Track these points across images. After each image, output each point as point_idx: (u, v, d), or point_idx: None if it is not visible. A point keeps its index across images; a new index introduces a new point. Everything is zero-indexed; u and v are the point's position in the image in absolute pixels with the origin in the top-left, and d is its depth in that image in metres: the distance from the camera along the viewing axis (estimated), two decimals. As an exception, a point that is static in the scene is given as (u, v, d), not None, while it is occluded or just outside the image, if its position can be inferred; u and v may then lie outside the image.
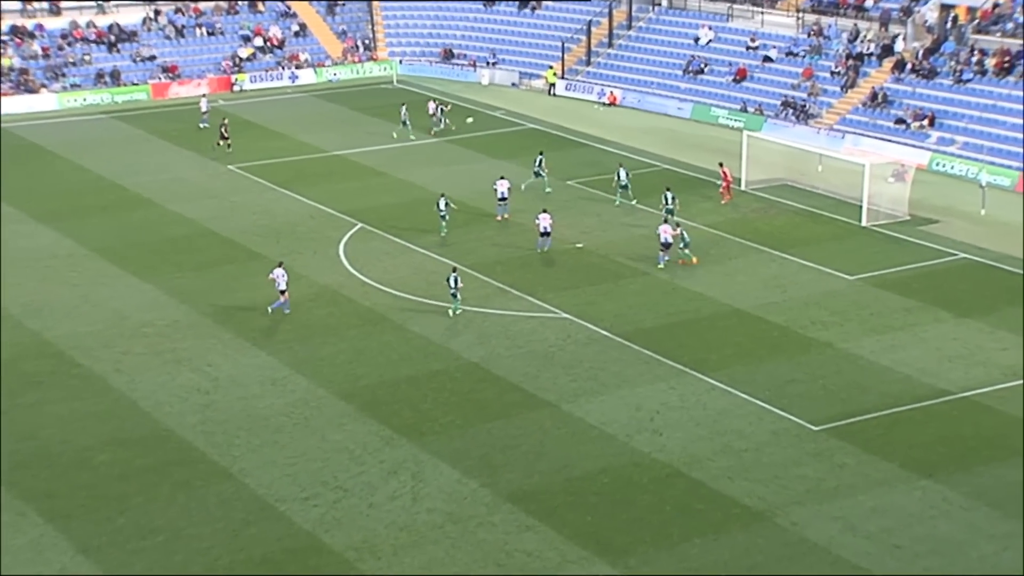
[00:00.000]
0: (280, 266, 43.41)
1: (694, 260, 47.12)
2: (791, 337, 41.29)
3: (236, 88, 78.33)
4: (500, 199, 52.33)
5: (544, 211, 48.89)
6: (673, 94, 73.06)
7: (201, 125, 67.52)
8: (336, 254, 48.47)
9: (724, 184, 54.70)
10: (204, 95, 71.85)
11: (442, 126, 66.29)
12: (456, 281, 42.46)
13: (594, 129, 68.28)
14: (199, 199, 56.47)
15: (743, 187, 56.82)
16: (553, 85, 77.25)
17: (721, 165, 55.36)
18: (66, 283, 46.33)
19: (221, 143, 63.07)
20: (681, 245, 46.91)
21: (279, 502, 31.58)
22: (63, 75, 76.40)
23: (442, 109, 67.03)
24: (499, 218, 52.39)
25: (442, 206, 50.29)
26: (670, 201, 50.70)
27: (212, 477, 32.77)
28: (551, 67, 78.45)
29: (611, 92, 74.72)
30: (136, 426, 35.57)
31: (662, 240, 46.77)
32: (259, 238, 51.12)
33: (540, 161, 56.10)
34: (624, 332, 41.63)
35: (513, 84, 79.67)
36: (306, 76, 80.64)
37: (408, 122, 65.36)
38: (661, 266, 46.74)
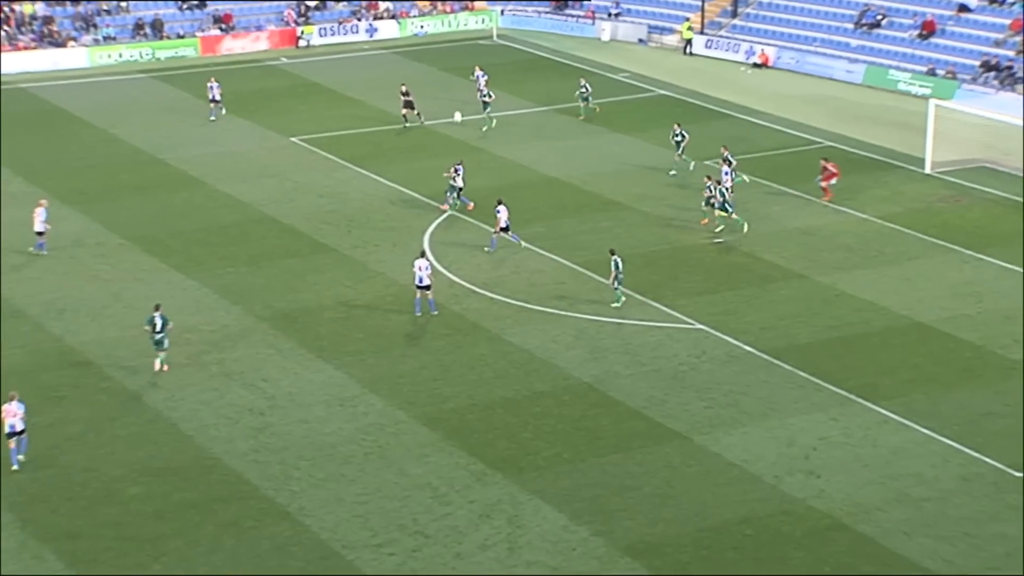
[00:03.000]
0: (423, 256, 44.03)
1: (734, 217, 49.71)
2: (988, 359, 40.72)
3: (302, 43, 79.40)
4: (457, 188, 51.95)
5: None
6: (841, 53, 72.41)
7: (212, 118, 64.93)
8: (420, 247, 48.78)
9: (824, 177, 53.02)
10: (213, 78, 66.33)
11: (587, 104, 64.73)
12: (617, 265, 43.22)
13: (741, 97, 67.90)
14: (255, 178, 57.24)
15: (927, 169, 56.12)
16: (689, 42, 77.07)
17: (825, 160, 53.88)
18: (94, 278, 47.28)
19: (409, 112, 63.42)
20: (708, 203, 50.10)
21: (347, 549, 31.89)
22: (95, 25, 78.04)
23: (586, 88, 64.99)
24: (447, 207, 52.25)
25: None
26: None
27: (266, 517, 33.15)
28: (687, 19, 78.23)
29: (762, 51, 74.31)
30: (175, 453, 36.13)
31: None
32: (327, 226, 51.71)
33: (678, 133, 56.10)
34: (773, 348, 41.41)
35: (640, 40, 79.62)
36: (387, 29, 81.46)
37: (589, 97, 64.09)
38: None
